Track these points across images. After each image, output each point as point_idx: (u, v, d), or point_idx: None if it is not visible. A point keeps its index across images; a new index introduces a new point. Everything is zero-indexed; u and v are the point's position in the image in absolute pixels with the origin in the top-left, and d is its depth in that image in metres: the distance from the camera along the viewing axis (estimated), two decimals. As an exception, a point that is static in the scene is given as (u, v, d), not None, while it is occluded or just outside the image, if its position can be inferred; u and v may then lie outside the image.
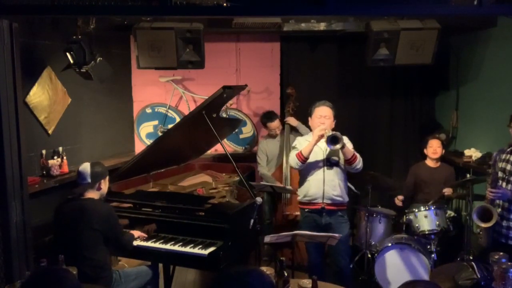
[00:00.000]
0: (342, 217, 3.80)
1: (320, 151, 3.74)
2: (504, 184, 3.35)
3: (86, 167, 3.16)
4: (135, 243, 3.31)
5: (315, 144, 3.63)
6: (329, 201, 3.73)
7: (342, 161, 3.75)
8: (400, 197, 4.75)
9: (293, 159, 3.70)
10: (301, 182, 3.87)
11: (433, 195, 4.55)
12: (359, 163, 3.69)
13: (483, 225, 3.30)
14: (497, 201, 3.40)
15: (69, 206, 3.16)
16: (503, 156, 3.41)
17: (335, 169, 3.75)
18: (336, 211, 3.77)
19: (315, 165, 3.75)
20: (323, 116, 3.72)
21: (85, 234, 3.04)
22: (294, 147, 3.81)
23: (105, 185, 3.25)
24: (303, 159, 3.64)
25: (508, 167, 3.35)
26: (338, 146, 3.51)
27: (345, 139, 3.72)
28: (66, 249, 2.98)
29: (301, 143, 3.77)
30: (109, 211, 3.15)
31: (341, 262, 3.81)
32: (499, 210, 3.37)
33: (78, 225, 3.05)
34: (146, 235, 3.37)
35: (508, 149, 3.40)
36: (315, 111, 3.77)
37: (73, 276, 1.85)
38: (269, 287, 1.66)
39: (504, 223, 3.34)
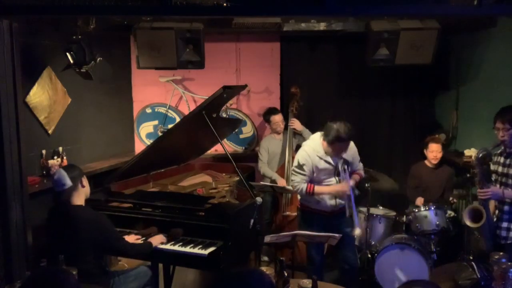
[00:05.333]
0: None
1: (332, 169, 3.59)
2: (498, 186, 3.33)
3: (60, 173, 3.05)
4: (135, 241, 3.31)
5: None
6: (340, 206, 3.66)
7: (350, 169, 3.68)
8: (421, 199, 4.57)
9: (301, 190, 3.55)
10: None
11: (433, 195, 4.56)
12: (363, 177, 3.83)
13: (473, 225, 3.27)
14: (495, 203, 3.38)
15: (60, 212, 3.09)
16: (495, 159, 3.40)
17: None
18: (343, 212, 3.67)
19: (326, 179, 3.62)
20: (344, 152, 3.53)
21: (75, 243, 2.97)
22: (301, 166, 3.54)
23: (86, 182, 3.14)
24: (312, 195, 3.58)
25: (500, 169, 3.34)
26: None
27: (349, 153, 3.60)
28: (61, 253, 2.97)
29: (309, 162, 3.52)
30: (96, 217, 3.03)
31: (351, 259, 3.78)
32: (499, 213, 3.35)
33: (68, 234, 2.99)
34: (165, 240, 3.28)
35: (498, 151, 3.38)
36: (334, 144, 3.44)
37: (73, 277, 1.85)
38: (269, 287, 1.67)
39: (505, 225, 3.33)
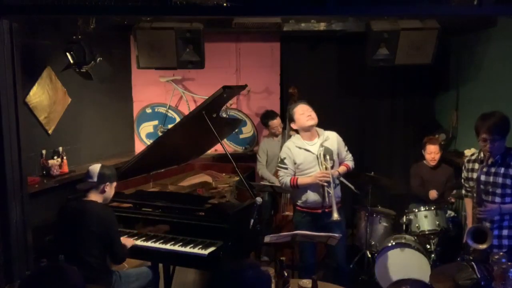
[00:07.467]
0: (339, 214, 3.69)
1: (314, 158, 3.59)
2: (490, 197, 3.17)
3: (96, 166, 3.17)
4: (136, 242, 3.31)
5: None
6: (327, 204, 3.62)
7: (336, 162, 3.66)
8: (434, 191, 4.45)
9: (285, 183, 3.62)
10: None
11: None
12: (351, 168, 3.76)
13: (480, 246, 3.05)
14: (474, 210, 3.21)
15: (71, 207, 3.15)
16: (469, 166, 3.32)
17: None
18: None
19: (311, 168, 3.61)
20: (308, 110, 3.62)
21: (83, 236, 3.02)
22: (282, 161, 3.65)
23: (110, 189, 3.20)
24: (296, 187, 3.62)
25: (483, 177, 3.16)
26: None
27: (333, 142, 3.65)
28: (65, 250, 2.98)
29: (289, 155, 3.62)
30: (108, 215, 3.11)
31: (338, 257, 3.74)
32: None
33: (77, 226, 3.04)
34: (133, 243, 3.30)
35: (473, 158, 3.31)
36: (296, 111, 3.64)
37: (76, 272, 1.85)
38: (266, 282, 1.66)
39: (496, 232, 3.20)
